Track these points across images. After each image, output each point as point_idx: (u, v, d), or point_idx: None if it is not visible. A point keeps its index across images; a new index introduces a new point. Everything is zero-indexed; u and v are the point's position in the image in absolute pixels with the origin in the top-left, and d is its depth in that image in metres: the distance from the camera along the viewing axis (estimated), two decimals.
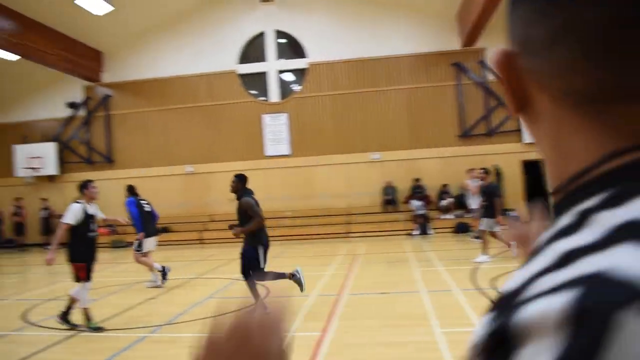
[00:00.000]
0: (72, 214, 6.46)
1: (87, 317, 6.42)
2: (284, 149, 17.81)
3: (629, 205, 0.38)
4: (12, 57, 15.60)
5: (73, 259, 6.52)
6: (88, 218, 6.58)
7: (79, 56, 17.43)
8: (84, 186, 6.74)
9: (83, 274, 6.49)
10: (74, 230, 6.48)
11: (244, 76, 18.24)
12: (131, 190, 9.76)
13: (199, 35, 18.32)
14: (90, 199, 6.70)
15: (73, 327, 6.46)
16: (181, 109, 18.45)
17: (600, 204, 0.40)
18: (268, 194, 17.56)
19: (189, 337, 5.78)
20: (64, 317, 6.54)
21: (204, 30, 18.33)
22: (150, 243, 9.52)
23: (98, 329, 6.33)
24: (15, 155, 19.12)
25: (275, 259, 12.38)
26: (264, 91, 18.23)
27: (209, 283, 9.55)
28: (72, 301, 6.55)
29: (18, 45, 14.66)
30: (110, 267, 12.40)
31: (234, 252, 13.60)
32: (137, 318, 6.99)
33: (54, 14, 15.20)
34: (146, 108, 18.75)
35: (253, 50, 18.25)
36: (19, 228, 18.64)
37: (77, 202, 6.61)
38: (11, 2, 14.01)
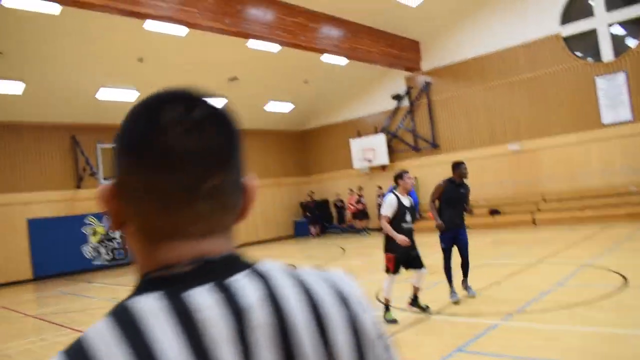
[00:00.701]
0: (388, 206, 6.41)
1: (387, 307, 6.42)
2: (625, 114, 15.39)
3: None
4: (342, 61, 17.36)
5: (386, 249, 6.52)
6: (402, 209, 6.44)
7: (399, 49, 18.38)
8: (399, 176, 6.61)
9: (391, 265, 6.43)
10: (390, 221, 6.40)
11: (567, 38, 16.44)
12: (396, 180, 9.67)
13: (514, 2, 17.24)
14: (405, 190, 6.54)
15: (423, 310, 6.67)
16: (502, 84, 17.69)
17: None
18: (607, 167, 15.55)
19: (547, 328, 5.33)
20: (414, 302, 6.81)
21: None
22: None
23: (393, 321, 6.29)
24: (352, 149, 21.45)
25: (623, 242, 10.89)
26: (593, 51, 16.07)
27: (553, 268, 8.82)
28: (416, 288, 6.74)
29: (347, 50, 16.24)
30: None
31: (572, 235, 12.44)
32: (487, 304, 6.83)
33: (374, 14, 16.29)
34: (466, 89, 18.62)
35: (576, 6, 16.28)
36: (362, 214, 20.76)
37: (392, 192, 6.59)
38: (338, 12, 15.54)
